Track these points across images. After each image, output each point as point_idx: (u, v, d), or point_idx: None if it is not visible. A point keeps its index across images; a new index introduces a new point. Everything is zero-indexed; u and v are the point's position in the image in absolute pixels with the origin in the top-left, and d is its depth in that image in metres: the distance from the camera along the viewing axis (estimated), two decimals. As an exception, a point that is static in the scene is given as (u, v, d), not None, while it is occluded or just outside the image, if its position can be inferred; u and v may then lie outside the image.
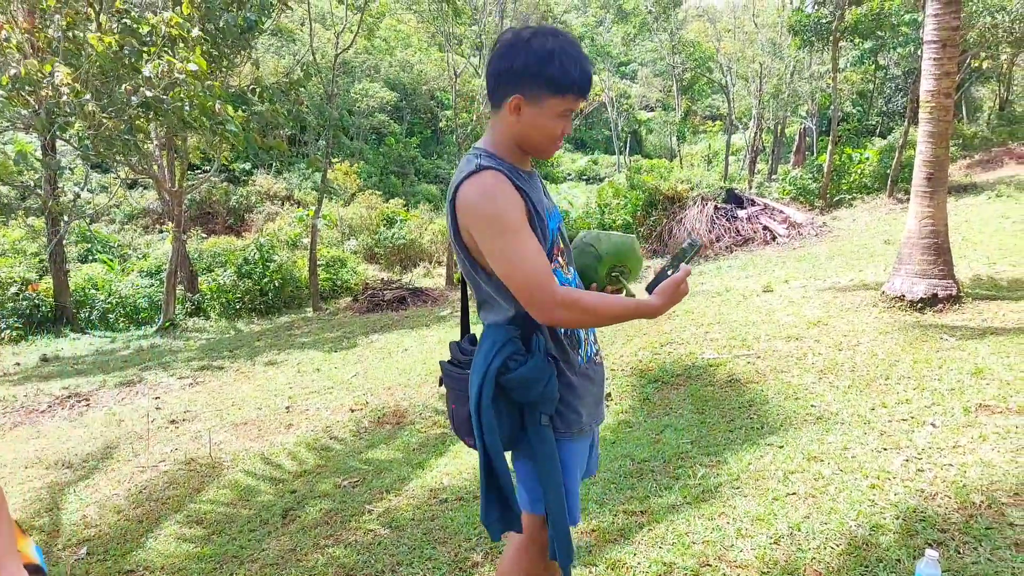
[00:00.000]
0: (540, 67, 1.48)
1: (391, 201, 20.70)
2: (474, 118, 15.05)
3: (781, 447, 3.42)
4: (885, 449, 3.25)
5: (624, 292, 1.76)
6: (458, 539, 2.83)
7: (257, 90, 11.27)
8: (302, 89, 11.98)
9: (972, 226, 10.67)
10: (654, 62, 25.59)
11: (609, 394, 4.74)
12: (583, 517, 2.89)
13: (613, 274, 1.77)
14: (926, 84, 5.66)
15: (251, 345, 8.53)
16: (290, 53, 23.39)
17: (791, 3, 16.07)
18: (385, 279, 14.41)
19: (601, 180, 26.81)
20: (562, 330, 1.64)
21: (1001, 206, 12.25)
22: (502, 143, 1.60)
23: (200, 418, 5.45)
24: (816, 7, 14.72)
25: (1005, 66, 21.81)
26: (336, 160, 21.36)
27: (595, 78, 26.97)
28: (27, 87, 7.68)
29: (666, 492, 3.05)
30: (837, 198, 15.59)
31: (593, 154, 39.14)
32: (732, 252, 12.22)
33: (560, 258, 1.66)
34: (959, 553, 2.36)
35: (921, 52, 5.97)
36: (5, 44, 7.68)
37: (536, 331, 1.60)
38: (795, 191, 15.86)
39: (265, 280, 11.97)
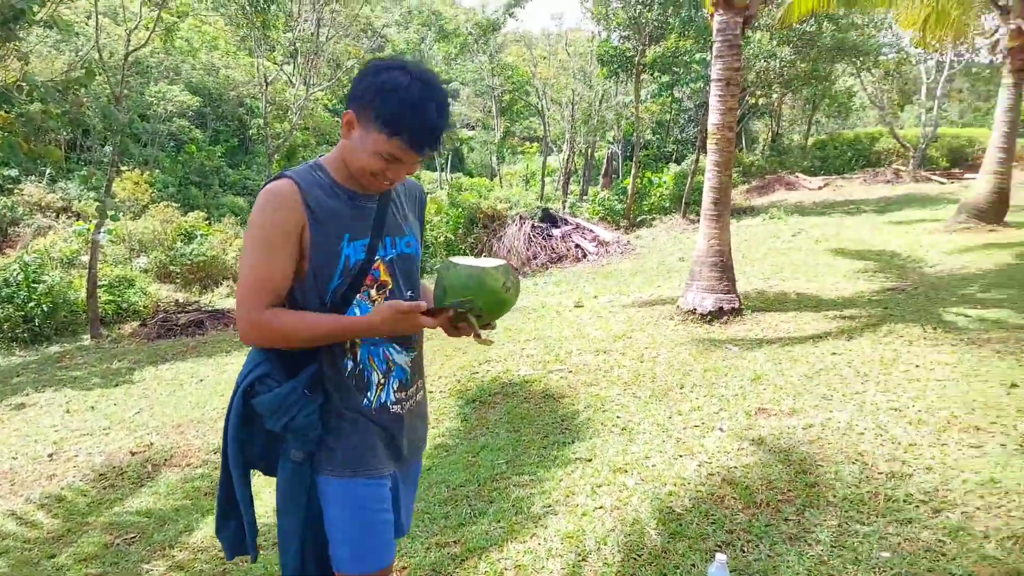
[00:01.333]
0: (379, 98, 1.41)
1: (190, 214, 19.01)
2: (288, 128, 14.37)
3: (590, 460, 3.53)
4: (681, 456, 3.47)
5: (473, 331, 1.56)
6: (255, 592, 2.58)
7: (25, 88, 9.85)
8: (83, 89, 10.66)
9: (750, 245, 12.00)
10: (475, 82, 26.16)
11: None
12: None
13: (459, 310, 1.55)
14: (713, 118, 6.25)
15: (7, 382, 7.25)
16: (72, 49, 20.85)
17: (599, 35, 17.20)
18: (181, 300, 13.14)
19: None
20: (348, 369, 1.56)
21: (773, 227, 13.91)
22: (336, 157, 1.55)
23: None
24: (621, 41, 15.87)
25: (776, 103, 24.98)
26: (126, 168, 19.28)
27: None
28: None
29: (481, 518, 3.01)
30: (640, 218, 16.85)
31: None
32: (547, 269, 12.72)
33: (374, 290, 1.57)
34: (744, 552, 2.55)
35: (709, 88, 6.59)
36: None
37: (311, 362, 1.54)
38: (603, 211, 16.91)
39: (31, 304, 10.30)
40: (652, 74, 17.03)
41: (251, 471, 1.64)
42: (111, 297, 11.98)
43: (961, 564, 2.40)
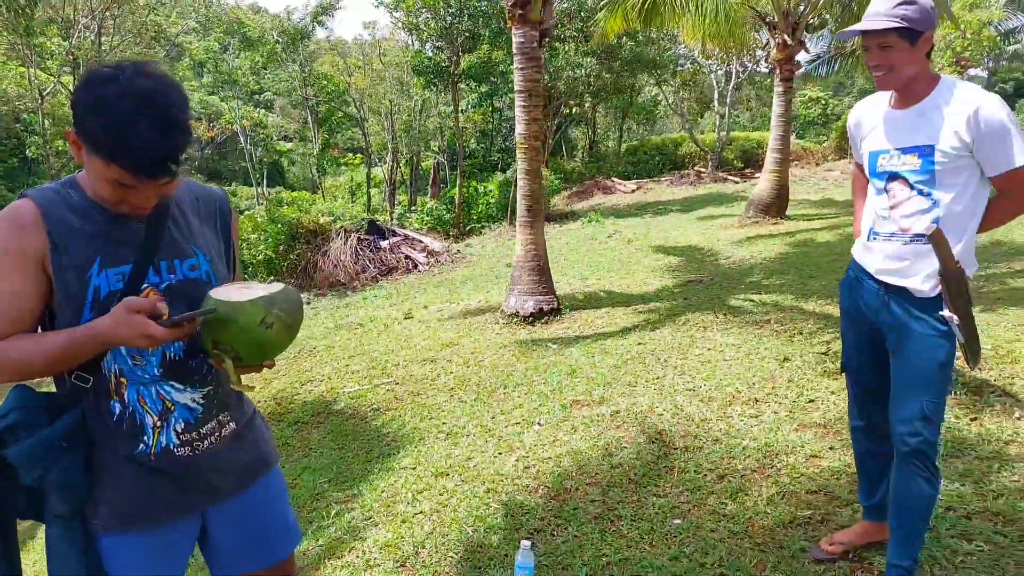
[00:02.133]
0: (89, 118, 1.22)
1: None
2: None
3: (414, 468, 3.57)
4: (501, 453, 3.61)
5: (231, 376, 1.39)
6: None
7: None
8: None
9: (571, 248, 12.67)
10: (288, 93, 25.25)
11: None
12: None
13: (215, 351, 1.38)
14: (519, 128, 6.55)
15: None
16: None
17: (413, 45, 17.34)
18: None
19: (242, 213, 25.43)
20: (115, 413, 1.41)
21: (591, 230, 14.76)
22: (86, 175, 1.36)
23: None
24: (435, 51, 16.10)
25: (591, 112, 26.56)
26: None
27: (224, 104, 25.52)
28: None
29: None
30: (469, 227, 17.17)
31: (231, 185, 37.02)
32: (377, 282, 12.58)
33: None
34: (553, 536, 2.71)
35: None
36: None
37: (73, 408, 1.39)
38: (432, 221, 17.04)
39: None
40: (469, 84, 17.43)
41: (11, 529, 1.47)
42: None
43: (739, 522, 2.72)
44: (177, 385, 1.45)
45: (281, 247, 13.03)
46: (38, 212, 1.31)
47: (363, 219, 14.76)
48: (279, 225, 13.08)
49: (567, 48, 15.79)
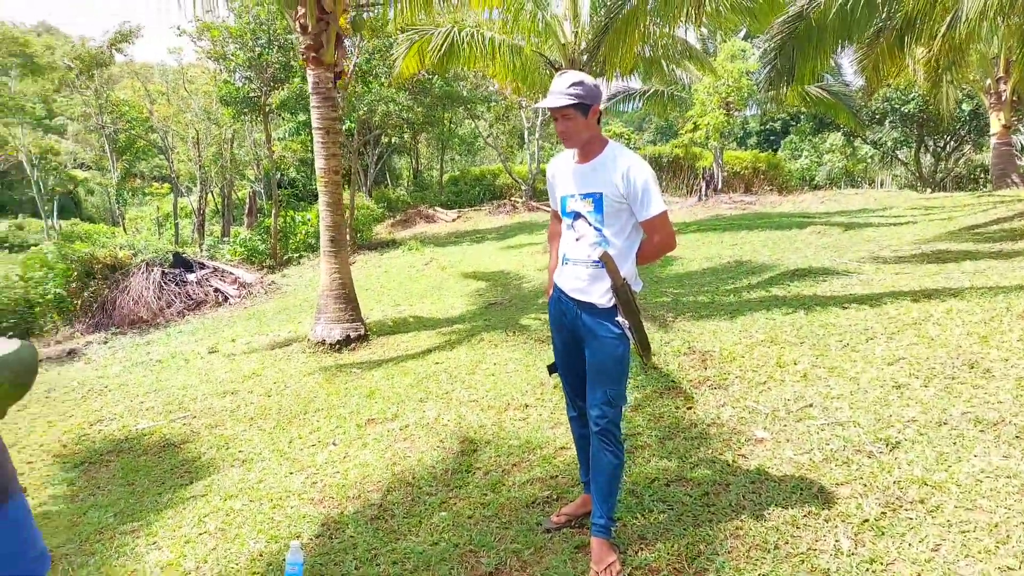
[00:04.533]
0: None
1: None
2: None
3: (204, 496, 3.70)
4: (291, 473, 3.85)
5: None
6: None
7: None
8: None
9: (390, 276, 12.97)
10: (84, 118, 23.26)
11: None
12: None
13: None
14: (318, 163, 6.81)
15: None
16: None
17: (221, 74, 16.81)
18: None
19: (28, 248, 22.84)
20: None
21: (410, 257, 15.15)
22: None
23: None
24: (244, 81, 15.75)
25: (412, 143, 27.04)
26: None
27: (6, 131, 22.98)
28: None
29: (79, 571, 2.99)
30: (286, 257, 16.84)
31: (17, 217, 33.05)
32: (184, 317, 12.02)
33: None
34: (331, 539, 3.03)
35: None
36: None
37: None
38: (246, 252, 16.50)
39: None
40: (282, 115, 17.21)
41: None
42: None
43: (492, 508, 3.19)
44: None
45: (73, 285, 12.05)
46: None
47: (168, 252, 14.02)
48: (70, 263, 12.10)
49: (378, 83, 16.17)
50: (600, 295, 2.58)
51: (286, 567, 2.56)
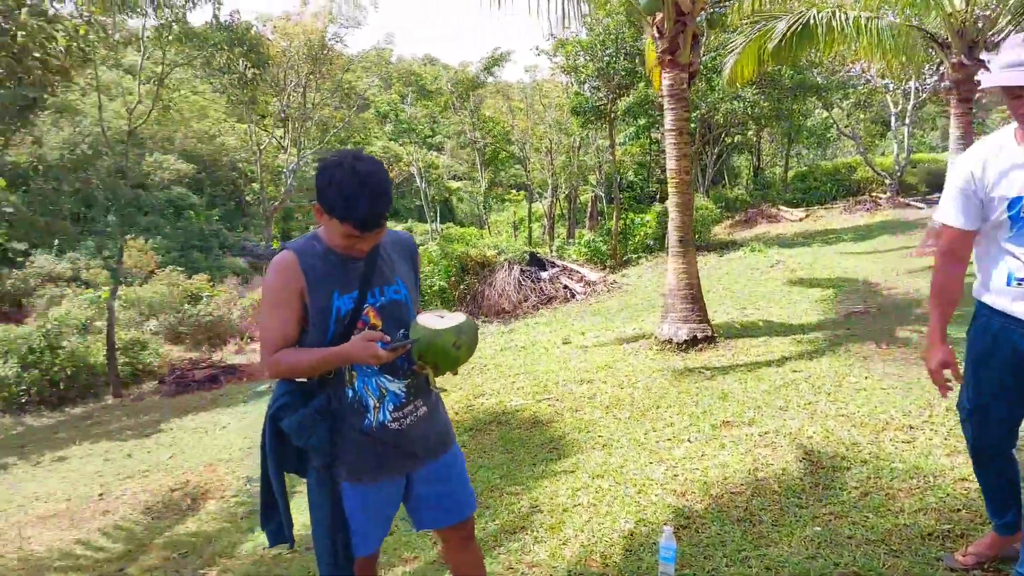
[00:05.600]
0: (323, 192, 1.85)
1: (195, 277, 19.70)
2: (282, 192, 15.07)
3: (572, 472, 4.04)
4: (651, 463, 3.98)
5: (431, 382, 2.06)
6: (293, 585, 3.07)
7: (40, 168, 10.57)
8: (91, 166, 11.38)
9: (731, 277, 12.61)
10: (458, 135, 27.16)
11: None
12: (407, 549, 3.25)
13: (419, 362, 1.97)
14: (670, 163, 6.91)
15: (48, 438, 7.82)
16: (71, 125, 21.72)
17: (571, 86, 18.14)
18: (193, 359, 13.70)
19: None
20: (349, 397, 1.99)
21: (753, 259, 14.53)
22: (325, 231, 2.00)
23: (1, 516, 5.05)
24: (592, 91, 16.79)
25: (754, 139, 25.94)
26: (130, 237, 19.95)
27: (401, 149, 28.10)
28: None
29: (479, 520, 3.51)
30: (625, 257, 17.50)
31: (407, 222, 40.13)
32: (538, 310, 13.28)
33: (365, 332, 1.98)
34: (698, 532, 3.06)
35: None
36: None
37: (320, 392, 2.00)
38: (590, 253, 17.58)
39: (55, 369, 10.94)
40: (626, 120, 17.85)
41: (285, 474, 2.12)
42: (127, 359, 12.55)
43: (877, 532, 2.90)
44: (389, 377, 2.04)
45: (452, 278, 14.18)
46: (296, 259, 1.96)
47: (525, 252, 15.62)
48: (450, 260, 14.25)
49: (721, 81, 15.83)
50: None
51: (660, 550, 2.65)
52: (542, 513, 3.42)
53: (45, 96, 9.47)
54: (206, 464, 5.53)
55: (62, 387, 10.98)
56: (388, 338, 1.89)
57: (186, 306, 16.71)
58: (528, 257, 15.09)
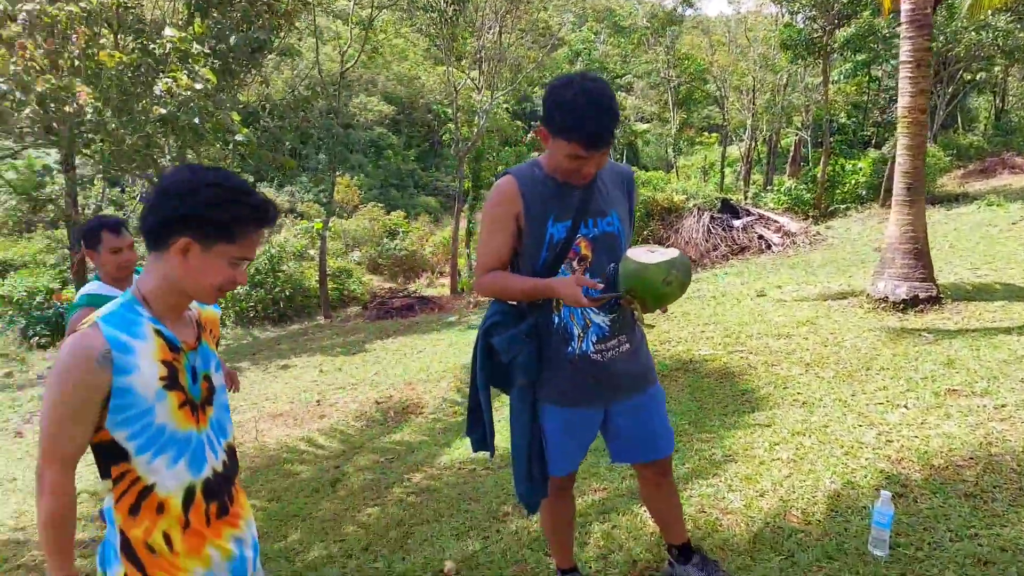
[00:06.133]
0: (551, 113, 1.83)
1: (392, 213, 21.19)
2: (474, 132, 15.50)
3: (768, 426, 3.84)
4: (860, 426, 3.67)
5: (638, 316, 1.98)
6: (489, 497, 3.26)
7: (267, 107, 11.79)
8: (309, 106, 12.43)
9: (960, 233, 11.13)
10: (649, 75, 26.12)
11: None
12: (596, 479, 3.30)
13: (627, 296, 1.91)
14: (902, 100, 6.11)
15: (272, 348, 9.00)
16: (290, 68, 23.82)
17: (782, 17, 16.59)
18: (391, 288, 14.86)
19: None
20: (555, 323, 2.02)
21: (990, 215, 12.69)
22: (550, 160, 1.99)
23: (239, 411, 5.93)
24: (807, 22, 15.25)
25: (1000, 77, 22.34)
26: (339, 174, 21.80)
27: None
28: (53, 104, 8.11)
29: (667, 462, 3.47)
30: (831, 208, 16.06)
31: (591, 166, 39.70)
32: (728, 260, 12.67)
33: (576, 262, 1.99)
34: (916, 502, 2.78)
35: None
36: (30, 63, 8.07)
37: (531, 315, 2.05)
38: (790, 201, 16.33)
39: (277, 290, 12.50)
40: (843, 54, 16.07)
41: (490, 391, 2.21)
42: (335, 285, 13.95)
43: None
44: (594, 309, 2.03)
45: (637, 223, 13.91)
46: (516, 184, 1.99)
47: (716, 198, 14.87)
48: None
49: (968, 5, 13.59)
50: None
51: (874, 514, 2.44)
52: (736, 463, 3.29)
53: (272, 38, 10.48)
54: (406, 382, 6.00)
55: (282, 306, 12.52)
56: (600, 286, 1.87)
57: (384, 240, 18.08)
58: (720, 204, 14.37)
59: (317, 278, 13.31)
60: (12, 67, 7.96)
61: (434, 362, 6.79)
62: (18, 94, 8.09)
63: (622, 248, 2.04)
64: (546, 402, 2.10)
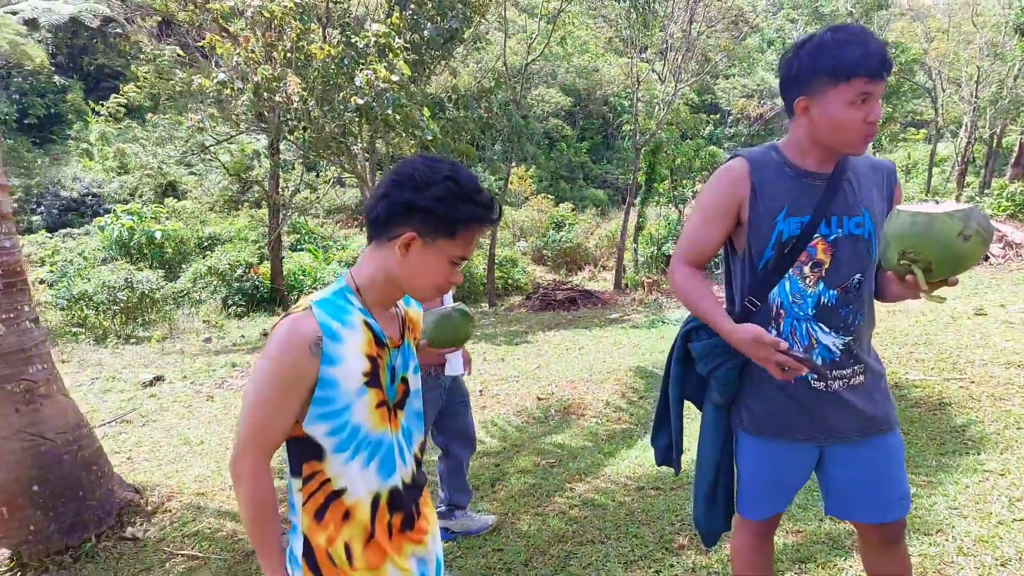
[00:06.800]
0: (821, 57, 1.55)
1: (560, 205, 21.15)
2: (654, 125, 14.98)
3: (1003, 474, 3.22)
4: None
5: (921, 284, 1.39)
6: (661, 523, 2.99)
7: (454, 97, 12.12)
8: (492, 97, 12.62)
9: None
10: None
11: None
12: (787, 519, 2.92)
13: (902, 261, 1.39)
14: None
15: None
16: (474, 61, 24.51)
17: (1018, 0, 14.33)
18: (554, 280, 14.81)
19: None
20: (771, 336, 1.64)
21: None
22: (790, 139, 1.70)
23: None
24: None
25: None
26: (514, 165, 22.16)
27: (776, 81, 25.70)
28: (266, 93, 8.87)
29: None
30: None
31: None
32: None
33: (808, 267, 1.65)
34: None
35: None
36: (251, 55, 8.87)
37: (739, 324, 1.70)
38: (1013, 207, 14.19)
39: (448, 275, 12.94)
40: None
41: (683, 401, 1.92)
42: (501, 273, 14.13)
43: None
44: (825, 328, 1.67)
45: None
46: (747, 167, 1.69)
47: (923, 200, 13.22)
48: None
49: None
50: None
51: None
52: (965, 519, 2.75)
53: (464, 29, 10.75)
54: (567, 380, 5.82)
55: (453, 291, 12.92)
56: (785, 345, 1.56)
57: (550, 231, 18.08)
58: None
59: (485, 265, 13.57)
60: (236, 58, 8.82)
61: (597, 361, 6.55)
62: (238, 83, 8.95)
63: (872, 257, 1.67)
64: (742, 429, 1.80)
